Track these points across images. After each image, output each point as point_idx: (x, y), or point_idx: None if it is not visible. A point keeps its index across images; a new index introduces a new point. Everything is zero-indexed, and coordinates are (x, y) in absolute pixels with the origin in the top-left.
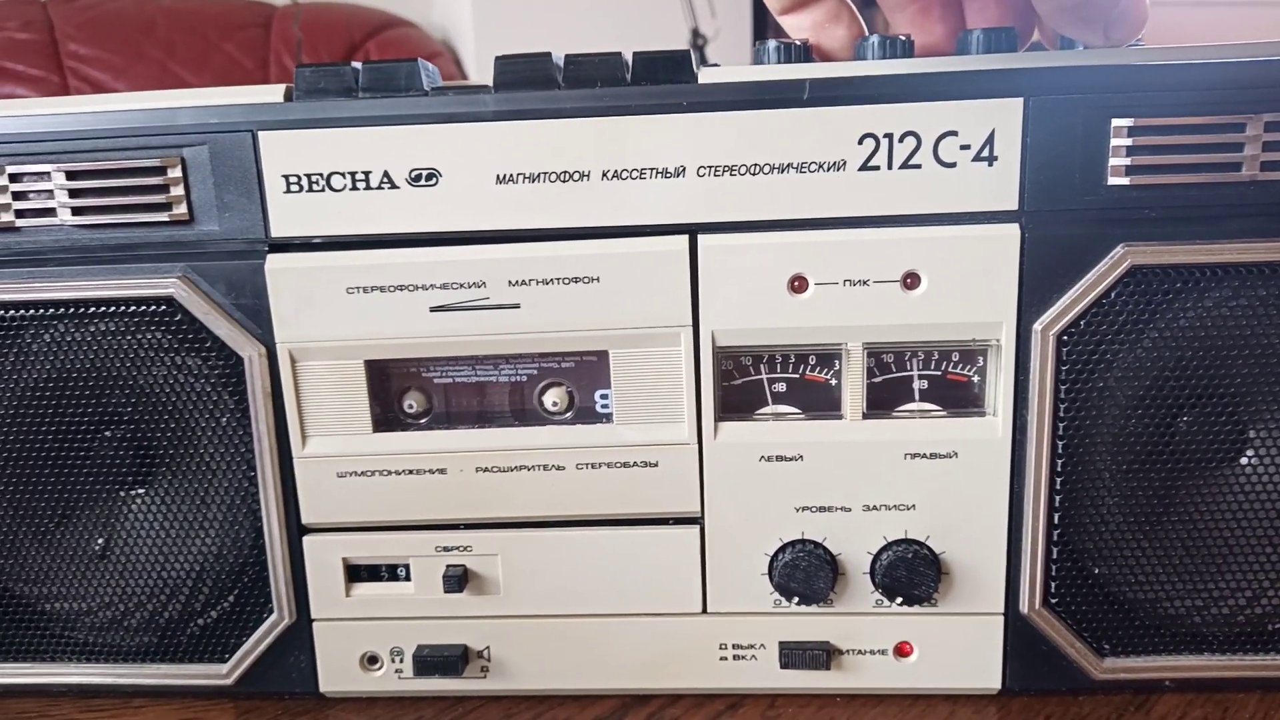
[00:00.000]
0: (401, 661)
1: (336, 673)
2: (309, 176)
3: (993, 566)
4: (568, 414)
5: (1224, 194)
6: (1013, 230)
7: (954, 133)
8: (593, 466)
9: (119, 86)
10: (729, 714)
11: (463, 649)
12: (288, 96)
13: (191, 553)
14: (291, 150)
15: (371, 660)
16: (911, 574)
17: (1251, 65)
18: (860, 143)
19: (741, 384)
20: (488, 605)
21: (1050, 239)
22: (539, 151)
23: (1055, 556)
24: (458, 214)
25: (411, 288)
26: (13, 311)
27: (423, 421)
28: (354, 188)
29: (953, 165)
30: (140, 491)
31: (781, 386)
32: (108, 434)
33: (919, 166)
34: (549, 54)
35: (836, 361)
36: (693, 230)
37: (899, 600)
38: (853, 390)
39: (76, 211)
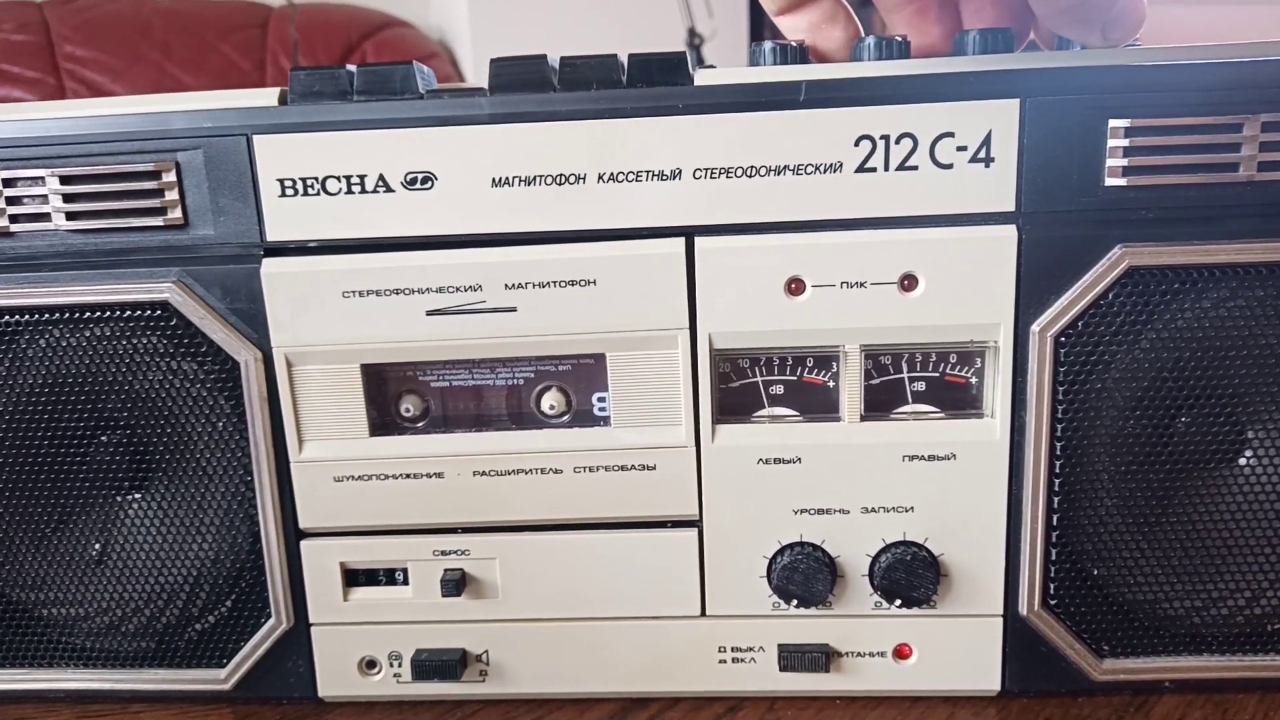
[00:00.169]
0: (400, 666)
1: (335, 677)
2: (304, 180)
3: (991, 568)
4: (565, 417)
5: (1221, 194)
6: (1010, 232)
7: (951, 134)
8: (590, 470)
9: (115, 88)
10: (728, 717)
11: (461, 653)
12: (282, 100)
13: (189, 557)
14: (286, 154)
15: (370, 665)
16: (910, 576)
17: (1249, 65)
18: (857, 144)
19: (739, 386)
20: (486, 609)
21: (1047, 240)
22: (535, 154)
23: (1054, 558)
24: (453, 217)
25: (407, 291)
26: (7, 316)
27: (420, 425)
28: (349, 191)
29: (949, 167)
30: (137, 496)
31: (779, 389)
32: (104, 439)
33: (916, 168)
34: (544, 56)
35: (834, 363)
36: (689, 233)
37: (898, 602)
38: (850, 392)
39: (71, 216)
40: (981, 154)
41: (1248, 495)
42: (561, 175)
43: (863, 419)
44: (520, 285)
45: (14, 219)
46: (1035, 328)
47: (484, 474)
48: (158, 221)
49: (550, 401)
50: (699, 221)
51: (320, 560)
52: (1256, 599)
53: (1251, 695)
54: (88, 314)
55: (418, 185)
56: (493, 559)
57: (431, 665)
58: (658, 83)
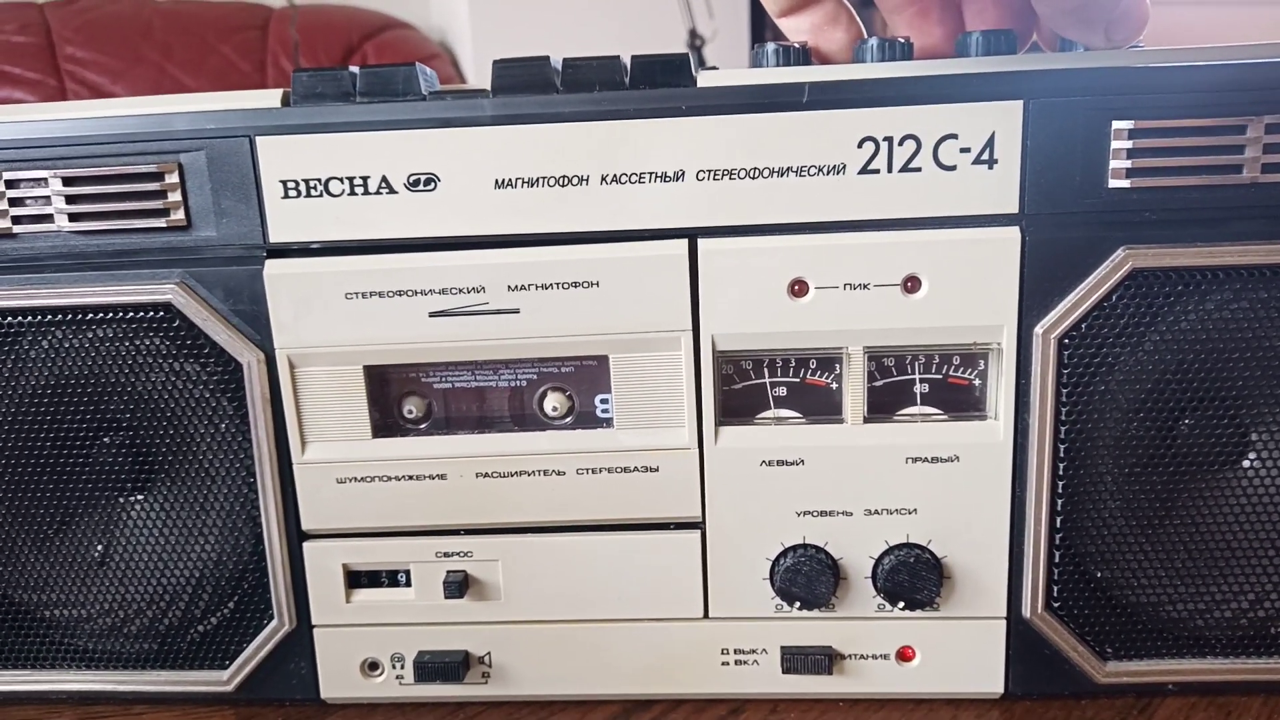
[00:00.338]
0: (402, 668)
1: (337, 679)
2: (307, 182)
3: (995, 570)
4: (568, 419)
5: (1225, 196)
6: (1013, 233)
7: (954, 135)
8: (593, 471)
9: (116, 89)
10: (730, 719)
11: (464, 655)
12: (285, 101)
13: (191, 559)
14: (289, 155)
15: (372, 666)
16: (913, 578)
17: (1252, 67)
18: (860, 146)
19: (742, 388)
20: (488, 611)
21: (1051, 242)
22: (537, 156)
23: (1057, 560)
24: (456, 219)
25: (410, 293)
26: (10, 318)
27: (422, 427)
28: (352, 193)
29: (953, 168)
30: (139, 498)
31: (782, 391)
32: (106, 440)
33: (919, 170)
34: (547, 58)
35: (837, 365)
36: (692, 234)
37: (901, 605)
38: (854, 394)
39: (74, 218)
40: (985, 156)
41: (1251, 497)
42: (564, 177)
43: (866, 421)
44: (523, 287)
45: (16, 220)
46: (1039, 330)
47: (487, 476)
48: (160, 223)
49: (553, 403)
50: (702, 223)
51: (323, 562)
52: (1260, 601)
53: (1255, 698)
54: (90, 315)
55: (421, 187)
56: (495, 560)
57: (434, 667)
58: (661, 84)
